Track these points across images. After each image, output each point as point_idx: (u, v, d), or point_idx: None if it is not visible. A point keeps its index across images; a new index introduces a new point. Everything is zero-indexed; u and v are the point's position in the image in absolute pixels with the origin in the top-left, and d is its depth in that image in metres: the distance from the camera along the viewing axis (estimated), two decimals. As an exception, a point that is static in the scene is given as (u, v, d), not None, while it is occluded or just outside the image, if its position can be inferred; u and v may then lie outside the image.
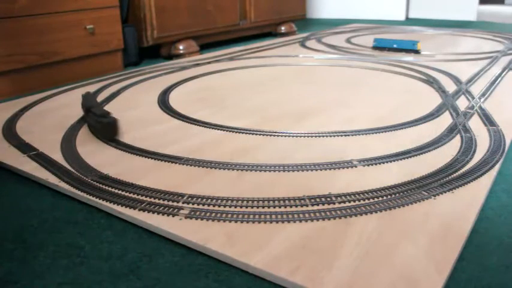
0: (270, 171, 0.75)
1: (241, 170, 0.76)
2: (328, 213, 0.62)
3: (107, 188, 0.70)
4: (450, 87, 1.28)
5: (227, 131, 0.95)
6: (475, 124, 0.96)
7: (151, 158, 0.81)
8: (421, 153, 0.81)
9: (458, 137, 0.89)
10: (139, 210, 0.64)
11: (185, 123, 1.01)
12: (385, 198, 0.66)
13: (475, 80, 1.36)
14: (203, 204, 0.65)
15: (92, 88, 1.33)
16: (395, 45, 1.85)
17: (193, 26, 1.91)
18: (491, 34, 2.37)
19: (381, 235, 0.57)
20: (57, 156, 0.83)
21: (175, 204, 0.65)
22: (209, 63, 1.68)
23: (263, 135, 0.92)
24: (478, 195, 0.67)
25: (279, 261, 0.52)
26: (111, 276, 0.53)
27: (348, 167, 0.76)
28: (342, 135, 0.91)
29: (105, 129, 0.86)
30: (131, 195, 0.68)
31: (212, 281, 0.52)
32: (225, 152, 0.84)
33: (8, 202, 0.71)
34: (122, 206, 0.65)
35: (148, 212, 0.63)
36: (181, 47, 1.86)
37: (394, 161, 0.78)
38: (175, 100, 1.19)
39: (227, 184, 0.71)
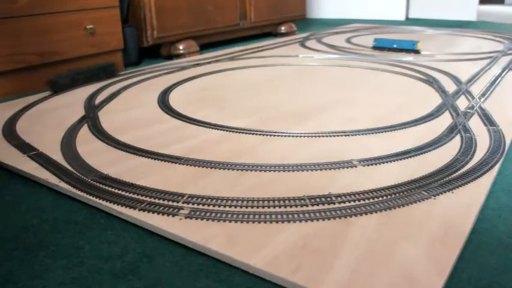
0: (270, 171, 0.75)
1: (241, 170, 0.76)
2: (328, 213, 0.62)
3: (107, 188, 0.70)
4: (450, 87, 1.28)
5: (227, 131, 0.95)
6: (475, 124, 0.96)
7: (151, 158, 0.81)
8: (421, 153, 0.81)
9: (458, 137, 0.89)
10: (139, 210, 0.64)
11: (185, 123, 1.01)
12: (385, 198, 0.66)
13: (475, 80, 1.36)
14: (203, 204, 0.65)
15: (92, 88, 1.33)
16: (395, 45, 1.85)
17: (193, 26, 1.91)
18: (491, 34, 2.37)
19: (381, 235, 0.57)
20: (57, 156, 0.83)
21: (175, 204, 0.65)
22: (209, 63, 1.68)
23: (263, 135, 0.92)
24: (478, 195, 0.67)
25: (279, 261, 0.52)
26: (111, 276, 0.53)
27: (348, 167, 0.76)
28: (342, 135, 0.91)
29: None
30: (131, 195, 0.68)
31: (212, 281, 0.52)
32: (225, 152, 0.84)
33: (8, 202, 0.71)
34: (122, 206, 0.65)
35: (148, 212, 0.63)
36: (181, 47, 1.86)
37: (394, 161, 0.78)
38: (175, 100, 1.19)
39: (227, 184, 0.71)
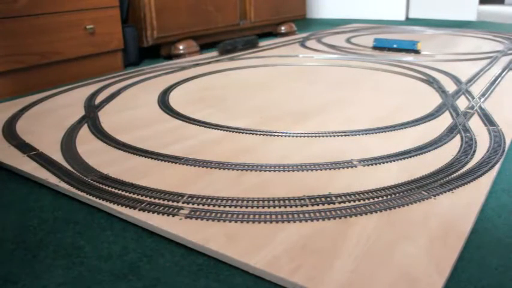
0: (270, 171, 0.75)
1: (241, 170, 0.76)
2: (328, 213, 0.62)
3: (107, 188, 0.70)
4: (450, 87, 1.28)
5: (227, 131, 0.95)
6: (475, 124, 0.96)
7: (151, 158, 0.81)
8: (421, 153, 0.81)
9: (458, 137, 0.89)
10: (139, 210, 0.64)
11: (185, 123, 1.01)
12: (385, 198, 0.66)
13: (475, 80, 1.36)
14: (203, 204, 0.65)
15: (92, 88, 1.33)
16: (395, 45, 1.85)
17: (193, 26, 1.91)
18: (491, 34, 2.37)
19: (381, 235, 0.57)
20: (57, 156, 0.83)
21: (175, 204, 0.65)
22: (209, 63, 1.68)
23: (263, 135, 0.92)
24: (478, 195, 0.67)
25: (279, 261, 0.52)
26: (111, 276, 0.53)
27: (348, 167, 0.76)
28: (342, 135, 0.91)
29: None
30: (131, 195, 0.68)
31: (212, 281, 0.52)
32: (225, 152, 0.84)
33: (8, 202, 0.71)
34: (122, 206, 0.65)
35: (148, 212, 0.63)
36: (181, 47, 1.86)
37: (394, 161, 0.78)
38: (175, 100, 1.19)
39: (227, 184, 0.71)
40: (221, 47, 1.85)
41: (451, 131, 0.92)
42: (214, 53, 1.89)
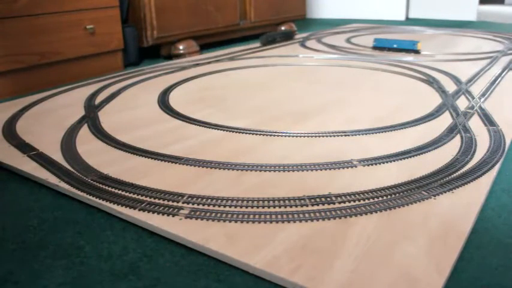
0: (270, 171, 0.75)
1: (241, 170, 0.76)
2: (328, 213, 0.62)
3: (107, 188, 0.70)
4: (450, 87, 1.28)
5: (227, 131, 0.95)
6: (475, 124, 0.96)
7: (151, 158, 0.81)
8: (421, 153, 0.81)
9: (458, 137, 0.89)
10: (139, 210, 0.64)
11: (185, 123, 1.01)
12: (385, 198, 0.66)
13: (475, 80, 1.36)
14: (203, 204, 0.65)
15: (92, 88, 1.33)
16: (395, 45, 1.85)
17: (193, 26, 1.91)
18: (491, 34, 2.37)
19: (381, 235, 0.57)
20: (57, 156, 0.83)
21: (175, 204, 0.65)
22: (209, 63, 1.68)
23: (263, 135, 0.92)
24: (478, 195, 0.67)
25: (279, 261, 0.52)
26: (111, 276, 0.53)
27: (348, 167, 0.76)
28: (342, 135, 0.91)
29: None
30: (131, 195, 0.68)
31: (212, 281, 0.52)
32: (225, 152, 0.84)
33: (8, 202, 0.71)
34: (122, 206, 0.65)
35: (148, 212, 0.63)
36: (181, 47, 1.86)
37: (394, 161, 0.78)
38: (175, 100, 1.19)
39: (227, 184, 0.71)
40: (264, 39, 2.05)
41: (451, 131, 0.92)
42: (213, 53, 1.89)
